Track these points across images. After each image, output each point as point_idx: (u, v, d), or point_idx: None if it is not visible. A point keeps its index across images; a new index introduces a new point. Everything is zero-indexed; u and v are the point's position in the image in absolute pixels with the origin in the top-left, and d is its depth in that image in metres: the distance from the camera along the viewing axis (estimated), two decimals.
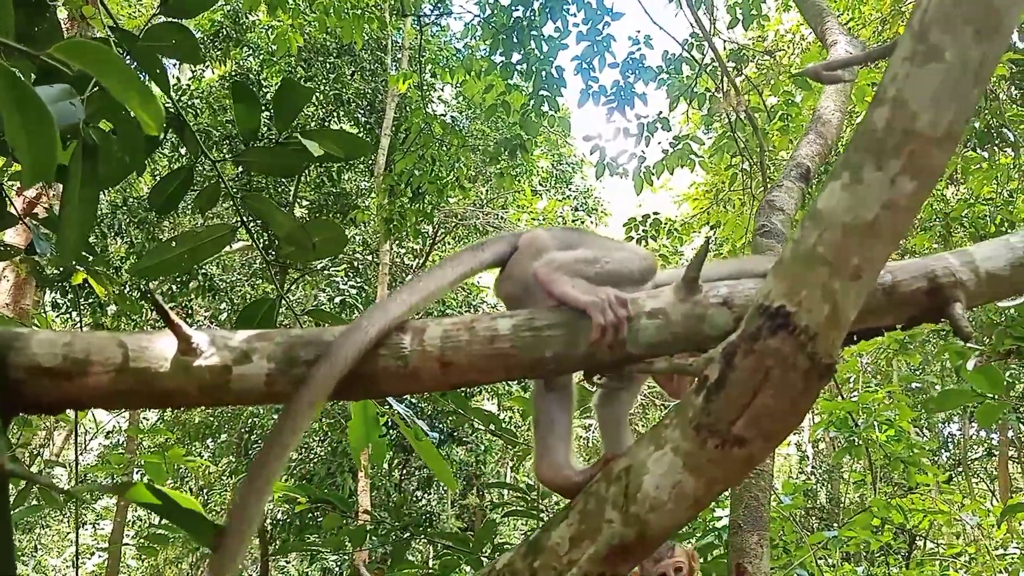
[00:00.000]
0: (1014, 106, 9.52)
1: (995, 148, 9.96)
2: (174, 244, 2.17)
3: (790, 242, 1.23)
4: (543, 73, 7.77)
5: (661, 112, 8.72)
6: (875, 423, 6.96)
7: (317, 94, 12.31)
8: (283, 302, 2.41)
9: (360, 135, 13.45)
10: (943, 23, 1.06)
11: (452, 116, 13.93)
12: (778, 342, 1.19)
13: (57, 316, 10.79)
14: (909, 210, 1.16)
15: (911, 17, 1.11)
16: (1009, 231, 10.02)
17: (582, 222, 19.70)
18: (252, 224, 2.57)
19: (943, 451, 17.09)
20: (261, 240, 7.74)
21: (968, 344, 2.93)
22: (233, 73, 11.75)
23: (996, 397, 2.68)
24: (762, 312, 1.20)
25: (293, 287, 11.74)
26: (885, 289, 1.38)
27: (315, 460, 10.88)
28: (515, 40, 7.64)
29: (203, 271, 10.34)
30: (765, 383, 1.20)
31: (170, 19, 2.02)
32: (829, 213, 1.17)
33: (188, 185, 2.30)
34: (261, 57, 11.73)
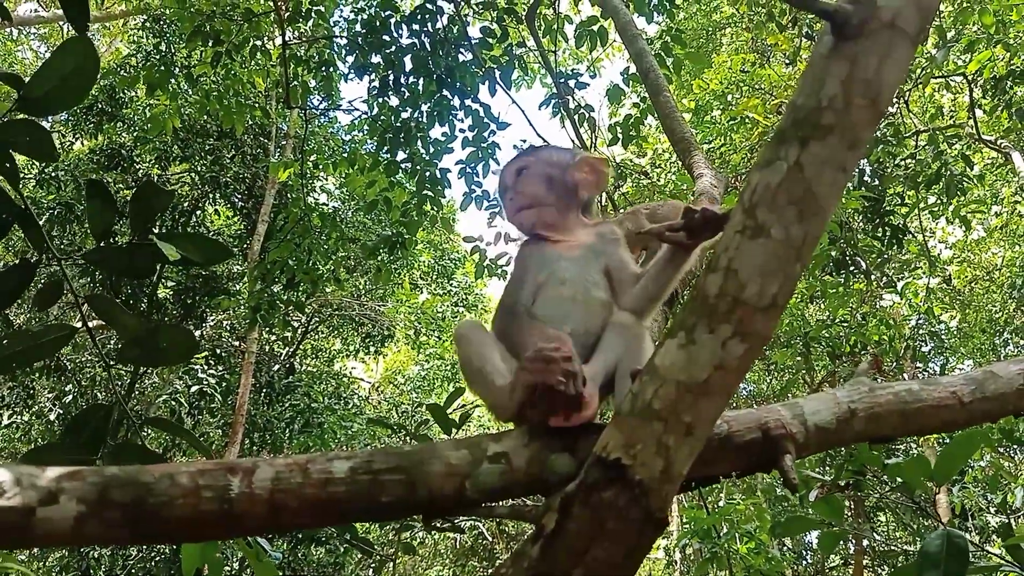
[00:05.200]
0: (866, 237, 10.31)
1: (850, 274, 10.74)
2: (5, 342, 2.03)
3: (630, 394, 1.25)
4: (427, 173, 7.87)
5: None
6: (736, 535, 7.11)
7: (192, 174, 11.97)
8: (124, 409, 2.27)
9: (236, 219, 13.16)
10: (769, 203, 1.14)
11: (335, 206, 13.83)
12: (613, 494, 1.20)
13: None
14: (739, 371, 1.21)
15: (742, 192, 1.19)
16: (862, 351, 10.78)
17: (462, 318, 19.73)
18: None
19: (803, 560, 17.57)
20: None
21: (812, 474, 3.07)
22: (105, 147, 11.32)
23: (836, 525, 2.81)
24: (599, 463, 1.22)
25: (147, 371, 11.07)
26: (722, 439, 1.43)
27: (157, 559, 10.07)
28: (401, 139, 7.73)
29: None
30: (600, 534, 1.21)
31: (27, 116, 1.93)
32: (665, 370, 1.21)
33: (29, 281, 2.17)
34: (135, 133, 11.38)
